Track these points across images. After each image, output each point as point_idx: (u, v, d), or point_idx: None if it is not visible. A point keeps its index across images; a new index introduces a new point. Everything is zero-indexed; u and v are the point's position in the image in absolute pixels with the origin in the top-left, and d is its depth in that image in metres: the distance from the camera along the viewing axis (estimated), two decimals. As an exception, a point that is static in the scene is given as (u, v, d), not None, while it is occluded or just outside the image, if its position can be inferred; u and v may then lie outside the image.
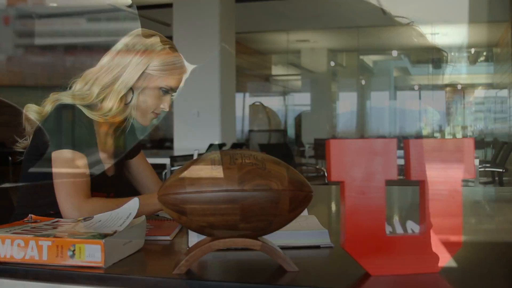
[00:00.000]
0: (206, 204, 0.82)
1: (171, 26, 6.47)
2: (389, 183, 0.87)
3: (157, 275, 0.86)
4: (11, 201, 1.64)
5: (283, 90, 13.66)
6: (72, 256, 0.87)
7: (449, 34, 10.60)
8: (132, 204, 1.02)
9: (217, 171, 0.83)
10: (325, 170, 5.70)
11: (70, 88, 1.42)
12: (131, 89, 1.39)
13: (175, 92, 1.45)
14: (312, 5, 9.48)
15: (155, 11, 8.53)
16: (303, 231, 1.07)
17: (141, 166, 1.59)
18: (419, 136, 12.36)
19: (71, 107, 1.34)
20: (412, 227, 0.90)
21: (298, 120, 12.64)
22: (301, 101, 12.89)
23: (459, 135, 13.24)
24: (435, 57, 11.41)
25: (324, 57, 11.79)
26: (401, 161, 0.86)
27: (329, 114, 12.07)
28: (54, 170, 1.29)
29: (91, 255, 0.86)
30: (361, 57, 13.15)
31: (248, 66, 12.39)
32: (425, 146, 0.87)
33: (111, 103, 1.37)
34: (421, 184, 0.88)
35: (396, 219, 0.91)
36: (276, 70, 14.13)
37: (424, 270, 0.86)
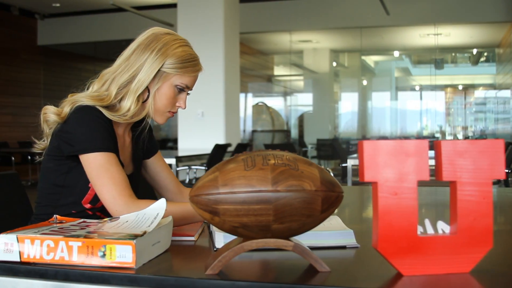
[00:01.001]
0: (239, 205, 0.82)
1: (175, 26, 6.47)
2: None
3: (187, 275, 0.86)
4: (28, 200, 1.64)
5: (285, 91, 13.65)
6: (103, 256, 0.87)
7: (452, 35, 10.60)
8: (160, 204, 1.02)
9: (250, 172, 0.83)
10: (330, 170, 5.70)
11: (88, 89, 1.41)
12: (147, 88, 1.38)
13: (191, 90, 1.45)
14: (315, 5, 9.48)
15: (158, 11, 8.54)
16: (329, 232, 1.06)
17: (159, 166, 1.58)
18: (419, 137, 12.36)
19: (91, 109, 1.34)
20: (443, 227, 0.90)
21: (300, 120, 12.64)
22: (303, 101, 12.88)
23: (460, 136, 13.25)
24: (438, 57, 11.40)
25: (326, 57, 11.79)
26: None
27: (331, 114, 12.07)
28: (94, 172, 1.28)
29: (122, 255, 0.86)
30: (362, 57, 13.15)
31: (250, 66, 12.40)
32: (456, 147, 0.87)
33: (129, 103, 1.36)
34: (452, 185, 0.88)
35: (426, 219, 0.91)
36: (278, 71, 14.13)
37: (455, 270, 0.86)
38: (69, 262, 0.88)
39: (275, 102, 13.07)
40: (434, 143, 0.90)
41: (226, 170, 0.84)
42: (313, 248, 1.00)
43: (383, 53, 13.51)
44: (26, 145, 9.89)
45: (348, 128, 12.91)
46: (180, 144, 6.44)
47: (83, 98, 1.36)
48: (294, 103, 13.10)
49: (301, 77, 12.79)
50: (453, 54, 13.02)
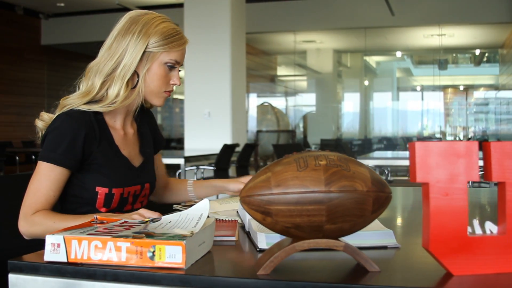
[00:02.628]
0: (292, 205, 0.82)
1: (182, 26, 6.46)
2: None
3: (236, 275, 0.86)
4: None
5: (288, 91, 13.65)
6: (152, 257, 0.86)
7: (456, 35, 10.60)
8: (203, 205, 1.01)
9: (303, 173, 0.83)
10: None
11: (79, 88, 1.40)
12: (136, 72, 1.36)
13: (182, 65, 1.42)
14: (320, 5, 9.48)
15: (164, 10, 8.54)
16: (370, 232, 1.06)
17: (157, 161, 1.60)
18: (421, 137, 12.37)
19: (72, 116, 1.32)
20: (491, 227, 0.90)
21: (304, 121, 12.64)
22: (307, 101, 12.88)
23: (461, 136, 13.25)
24: (441, 58, 11.41)
25: (329, 57, 11.79)
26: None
27: (334, 114, 12.07)
28: (32, 176, 1.30)
29: (172, 256, 0.86)
30: (365, 58, 13.15)
31: (253, 66, 12.39)
32: (505, 148, 0.87)
33: (116, 90, 1.34)
34: (501, 186, 0.88)
35: (474, 219, 0.91)
36: (281, 71, 14.13)
37: (504, 269, 0.87)
38: (117, 263, 0.88)
39: (278, 102, 13.06)
40: (483, 145, 0.90)
41: (278, 171, 0.84)
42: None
43: (386, 53, 13.52)
44: (30, 144, 9.89)
45: (350, 129, 12.91)
46: (187, 144, 6.43)
47: (72, 99, 1.35)
48: (297, 103, 13.10)
49: (304, 77, 12.79)
50: (454, 55, 13.02)
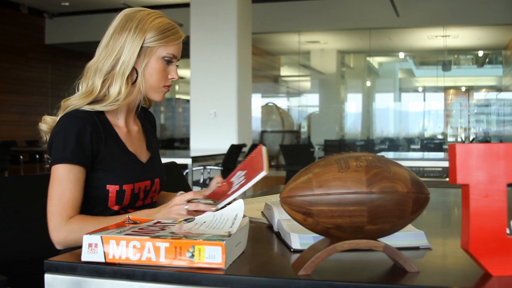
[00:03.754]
0: (334, 206, 0.82)
1: (188, 26, 6.46)
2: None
3: (274, 275, 0.86)
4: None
5: (291, 91, 13.65)
6: (191, 257, 0.86)
7: (460, 37, 10.60)
8: (238, 205, 1.01)
9: (345, 174, 0.83)
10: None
11: (78, 89, 1.40)
12: (134, 68, 1.36)
13: (179, 59, 1.42)
14: (325, 6, 9.49)
15: (169, 10, 8.55)
16: (401, 233, 1.06)
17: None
18: (423, 138, 12.37)
19: (70, 116, 1.32)
20: (527, 229, 0.90)
21: (307, 121, 12.63)
22: (310, 102, 12.88)
23: (462, 137, 13.25)
24: (446, 59, 11.41)
25: (333, 58, 11.79)
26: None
27: (337, 115, 12.06)
28: (51, 182, 1.29)
29: (211, 256, 0.86)
30: (367, 58, 13.15)
31: (256, 66, 12.39)
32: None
33: (117, 87, 1.34)
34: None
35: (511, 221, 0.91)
36: (284, 71, 14.13)
37: (542, 272, 0.86)
38: (156, 263, 0.88)
39: (281, 103, 13.06)
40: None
41: (319, 172, 0.84)
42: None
43: (390, 54, 13.52)
44: (34, 143, 9.90)
45: (352, 129, 12.91)
46: (192, 144, 6.43)
47: (73, 101, 1.35)
48: (301, 104, 13.10)
49: (308, 78, 12.79)
50: (456, 56, 13.02)
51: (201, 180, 5.27)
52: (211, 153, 5.47)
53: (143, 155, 1.45)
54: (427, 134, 13.75)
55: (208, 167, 5.30)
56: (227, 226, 0.96)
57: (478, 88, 14.52)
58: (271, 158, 10.54)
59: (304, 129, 12.10)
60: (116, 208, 1.36)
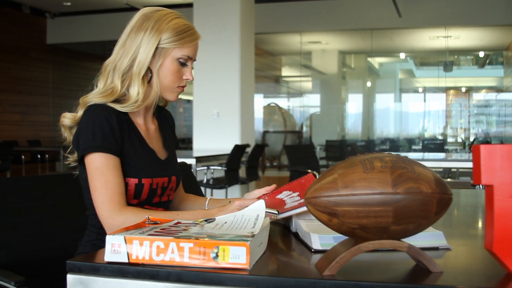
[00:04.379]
0: (360, 207, 0.82)
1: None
2: None
3: (299, 275, 0.86)
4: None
5: (293, 92, 13.65)
6: (216, 257, 0.86)
7: (461, 37, 10.61)
8: (259, 205, 1.02)
9: (370, 174, 0.83)
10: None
11: (96, 86, 1.40)
12: (149, 68, 1.37)
13: (194, 60, 1.42)
14: (327, 7, 9.49)
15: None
16: (420, 233, 1.06)
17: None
18: (423, 139, 12.39)
19: (96, 107, 1.33)
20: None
21: (309, 121, 12.64)
22: (311, 102, 12.89)
23: (463, 137, 13.26)
24: (447, 60, 11.41)
25: (334, 58, 11.79)
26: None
27: (339, 115, 12.07)
28: (91, 173, 1.28)
29: (236, 256, 0.86)
30: (368, 59, 13.16)
31: (258, 67, 12.39)
32: None
33: (136, 88, 1.35)
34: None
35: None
36: (285, 71, 14.13)
37: None
38: (180, 263, 0.88)
39: (283, 103, 13.06)
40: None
41: (345, 172, 0.84)
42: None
43: (391, 55, 13.53)
44: (36, 143, 9.90)
45: (354, 130, 12.92)
46: (195, 144, 6.43)
47: (92, 98, 1.35)
48: (302, 104, 13.10)
49: (309, 78, 12.79)
50: (456, 57, 13.03)
51: (205, 181, 5.27)
52: (214, 153, 5.47)
53: (161, 153, 1.45)
54: (428, 134, 13.77)
55: (211, 167, 5.30)
56: (249, 227, 0.96)
57: (479, 89, 14.53)
58: (273, 159, 10.54)
59: (306, 129, 12.10)
60: (134, 202, 1.36)
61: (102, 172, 1.27)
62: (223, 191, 5.64)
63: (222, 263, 0.86)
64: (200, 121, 6.34)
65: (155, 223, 1.04)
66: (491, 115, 13.66)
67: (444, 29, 9.91)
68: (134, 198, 1.35)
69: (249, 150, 5.93)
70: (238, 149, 5.26)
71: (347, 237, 0.97)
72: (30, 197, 1.48)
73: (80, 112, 1.36)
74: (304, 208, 1.17)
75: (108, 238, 0.91)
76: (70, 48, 11.40)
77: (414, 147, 11.29)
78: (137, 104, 1.36)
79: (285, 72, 14.19)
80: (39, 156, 9.28)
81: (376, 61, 14.12)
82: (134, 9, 8.35)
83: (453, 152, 9.97)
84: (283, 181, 8.31)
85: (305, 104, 13.00)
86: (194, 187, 1.95)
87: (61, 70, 11.38)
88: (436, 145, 10.02)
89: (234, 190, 6.27)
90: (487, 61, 13.37)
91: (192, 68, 1.42)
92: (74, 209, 1.56)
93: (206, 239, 0.88)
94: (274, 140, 9.99)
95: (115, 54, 1.38)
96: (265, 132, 10.70)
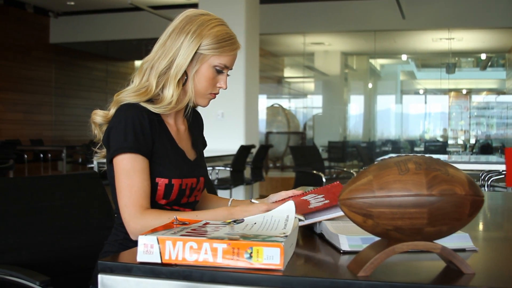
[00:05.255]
0: (395, 208, 0.83)
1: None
2: None
3: (333, 276, 0.87)
4: (108, 199, 1.64)
5: (294, 93, 13.66)
6: (249, 258, 0.87)
7: (464, 39, 10.62)
8: (288, 206, 1.02)
9: (405, 176, 0.84)
10: (354, 173, 5.70)
11: (132, 82, 1.40)
12: (185, 72, 1.36)
13: (231, 69, 1.42)
14: (331, 8, 9.50)
15: (177, 10, 8.53)
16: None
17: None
18: (424, 141, 12.40)
19: (129, 107, 1.33)
20: None
21: (312, 122, 12.64)
22: (314, 103, 12.89)
23: (462, 139, 13.27)
24: (450, 62, 11.42)
25: (337, 60, 11.80)
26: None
27: (341, 117, 12.07)
28: (117, 174, 1.29)
29: (270, 257, 0.86)
30: (370, 60, 13.17)
31: (261, 68, 12.39)
32: None
33: (171, 91, 1.35)
34: None
35: None
36: (287, 72, 14.12)
37: None
38: (213, 264, 0.88)
39: (285, 104, 13.06)
40: None
41: (380, 174, 0.85)
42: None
43: (394, 56, 13.53)
44: (38, 142, 9.90)
45: (355, 131, 12.92)
46: (200, 145, 6.42)
47: (126, 96, 1.35)
48: (304, 105, 13.11)
49: (312, 79, 12.80)
50: (458, 59, 13.04)
51: (210, 181, 5.26)
52: (219, 154, 5.47)
53: (190, 154, 1.45)
54: (431, 136, 13.78)
55: (217, 167, 5.31)
56: (280, 228, 0.96)
57: (481, 91, 14.55)
58: (276, 159, 10.54)
59: (310, 131, 12.10)
60: (162, 202, 1.36)
61: (128, 175, 1.28)
62: (227, 191, 5.64)
63: (255, 263, 0.87)
64: (205, 122, 6.32)
65: (184, 223, 1.05)
66: (492, 117, 13.67)
67: (448, 31, 9.92)
68: (163, 198, 1.36)
69: (253, 150, 5.94)
70: (244, 150, 5.27)
71: (376, 239, 0.98)
72: (52, 197, 1.49)
73: (112, 110, 1.36)
74: (333, 215, 1.18)
75: (141, 239, 0.91)
76: (73, 47, 11.40)
77: (416, 148, 11.30)
78: (170, 106, 1.35)
79: (288, 73, 14.20)
80: (41, 155, 9.28)
81: (378, 62, 14.12)
82: (138, 9, 8.35)
83: (455, 154, 9.99)
84: (286, 182, 8.31)
85: (307, 105, 13.01)
86: (209, 187, 1.95)
87: (64, 69, 11.38)
88: (438, 146, 10.04)
89: (239, 191, 6.28)
90: (489, 63, 13.38)
91: (228, 75, 1.42)
92: (97, 208, 1.57)
93: (240, 240, 0.88)
94: (278, 141, 10.00)
95: (154, 53, 1.38)
96: (268, 133, 10.71)
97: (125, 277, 0.92)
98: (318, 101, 12.59)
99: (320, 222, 1.18)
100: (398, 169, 0.85)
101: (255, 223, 1.02)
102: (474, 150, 10.87)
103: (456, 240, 1.07)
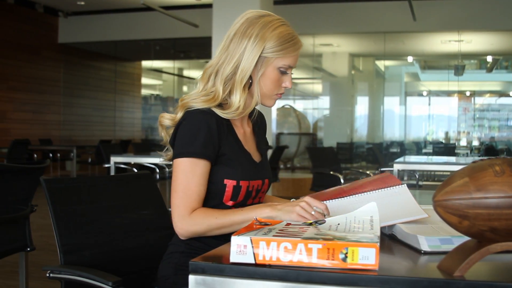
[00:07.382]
0: (492, 210, 0.85)
1: (210, 27, 6.48)
2: None
3: (424, 276, 0.89)
4: (163, 200, 1.66)
5: (301, 94, 13.67)
6: (344, 259, 0.89)
7: (473, 42, 10.64)
8: (371, 207, 1.04)
9: (501, 178, 0.86)
10: (371, 174, 5.71)
11: (196, 86, 1.42)
12: (250, 76, 1.38)
13: (294, 67, 1.43)
14: (341, 10, 9.52)
15: (188, 11, 8.57)
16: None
17: None
18: (432, 141, 12.41)
19: (197, 113, 1.35)
20: None
21: (319, 123, 12.66)
22: (321, 105, 12.92)
23: (465, 141, 13.28)
24: (459, 64, 11.44)
25: (345, 61, 11.82)
26: None
27: (348, 118, 12.09)
28: (175, 174, 1.32)
29: (365, 257, 0.88)
30: (376, 62, 13.19)
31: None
32: None
33: (238, 96, 1.36)
34: None
35: None
36: (296, 74, 14.14)
37: None
38: (308, 264, 0.89)
39: (294, 105, 13.09)
40: None
41: (476, 176, 0.87)
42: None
43: (402, 58, 13.55)
44: (47, 142, 9.92)
45: (362, 132, 12.94)
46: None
47: (193, 101, 1.37)
48: (312, 107, 13.13)
49: (319, 81, 12.82)
50: (463, 61, 13.06)
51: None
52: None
53: (255, 155, 1.47)
54: (439, 138, 13.80)
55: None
56: (367, 228, 0.98)
57: (486, 93, 14.57)
58: (287, 160, 10.55)
59: (319, 132, 12.11)
60: (230, 203, 1.38)
61: (187, 177, 1.30)
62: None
63: (351, 264, 0.88)
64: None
65: (266, 224, 1.07)
66: (497, 119, 13.70)
67: (457, 33, 9.94)
68: (231, 200, 1.38)
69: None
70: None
71: (452, 239, 1.01)
72: (111, 196, 1.51)
73: (179, 114, 1.38)
74: (409, 218, 1.20)
75: (234, 239, 0.92)
76: (82, 47, 11.43)
77: (425, 150, 11.32)
78: (238, 111, 1.37)
79: (296, 74, 14.23)
80: (50, 155, 9.30)
81: (385, 64, 14.14)
82: (150, 9, 8.37)
83: (464, 156, 10.00)
84: (297, 184, 8.33)
85: (315, 107, 13.03)
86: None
87: (73, 69, 11.41)
88: (446, 148, 10.05)
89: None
90: (497, 65, 13.40)
91: (292, 73, 1.43)
92: (153, 208, 1.59)
93: (335, 240, 0.90)
94: (289, 142, 10.02)
95: (217, 58, 1.39)
96: (279, 134, 10.73)
97: (218, 278, 0.92)
98: (326, 102, 12.61)
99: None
100: (494, 171, 0.87)
101: (338, 224, 1.04)
102: (480, 153, 10.91)
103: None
